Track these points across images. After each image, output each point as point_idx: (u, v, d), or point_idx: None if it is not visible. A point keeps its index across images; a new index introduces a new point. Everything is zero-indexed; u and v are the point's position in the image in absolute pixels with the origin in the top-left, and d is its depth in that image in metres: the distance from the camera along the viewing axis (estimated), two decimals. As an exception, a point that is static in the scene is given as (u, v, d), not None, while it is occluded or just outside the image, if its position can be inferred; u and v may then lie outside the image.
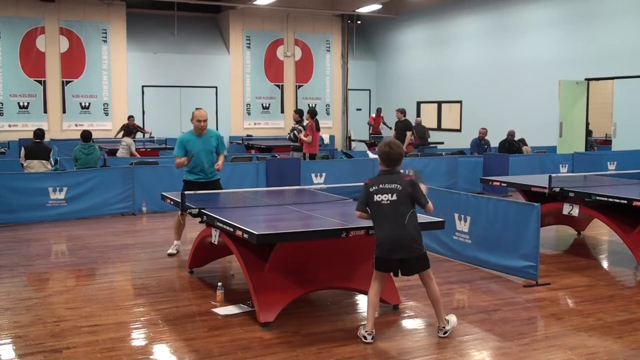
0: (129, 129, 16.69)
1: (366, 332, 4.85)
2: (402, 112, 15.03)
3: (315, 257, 5.44)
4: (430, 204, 4.85)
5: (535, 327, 5.40)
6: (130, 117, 17.20)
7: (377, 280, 4.93)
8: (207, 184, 7.40)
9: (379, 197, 4.76)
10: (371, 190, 4.79)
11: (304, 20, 22.00)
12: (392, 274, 5.05)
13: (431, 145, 17.34)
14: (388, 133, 19.67)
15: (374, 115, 20.71)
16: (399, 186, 4.76)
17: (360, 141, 20.37)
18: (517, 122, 16.00)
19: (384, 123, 20.24)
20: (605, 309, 5.72)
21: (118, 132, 16.91)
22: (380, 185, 4.77)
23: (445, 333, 4.97)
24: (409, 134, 14.58)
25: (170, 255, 7.70)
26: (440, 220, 5.56)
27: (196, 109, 7.51)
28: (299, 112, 13.44)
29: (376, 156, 14.39)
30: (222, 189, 7.58)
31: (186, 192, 6.45)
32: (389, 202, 4.74)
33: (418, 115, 20.58)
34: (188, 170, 7.50)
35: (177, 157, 7.39)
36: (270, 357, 4.61)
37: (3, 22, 18.09)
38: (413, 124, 15.63)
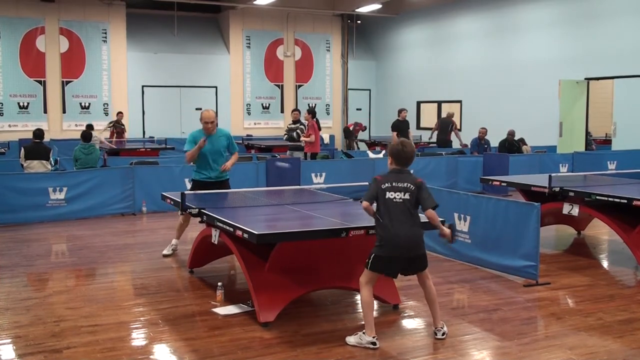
0: (120, 125, 16.87)
1: (374, 337, 4.72)
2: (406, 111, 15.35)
3: (315, 257, 5.44)
4: (434, 212, 4.75)
5: (535, 326, 5.40)
6: (120, 113, 17.45)
7: (371, 282, 4.82)
8: (215, 184, 7.36)
9: (391, 195, 4.70)
10: (383, 187, 4.71)
11: (304, 20, 22.00)
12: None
13: (431, 144, 17.34)
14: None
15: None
16: (411, 186, 4.75)
17: (361, 141, 20.38)
18: (517, 122, 16.00)
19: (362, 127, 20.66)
20: (606, 309, 5.72)
21: (109, 126, 17.04)
22: (393, 184, 4.72)
23: (443, 335, 4.95)
24: (409, 132, 14.82)
25: (165, 256, 7.66)
26: (439, 220, 5.55)
27: (204, 109, 7.49)
28: (299, 111, 13.54)
29: (376, 156, 14.51)
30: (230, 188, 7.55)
31: (186, 192, 6.45)
32: (401, 200, 4.71)
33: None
34: (196, 170, 7.50)
35: (187, 152, 7.34)
36: (270, 357, 4.61)
37: (3, 22, 18.10)
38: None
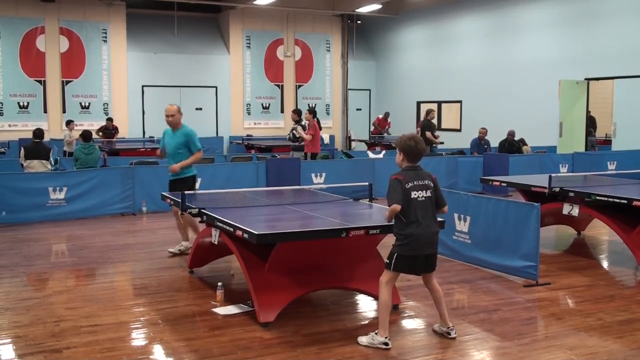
0: (109, 130, 16.95)
1: (386, 338, 4.72)
2: None
3: (315, 257, 5.44)
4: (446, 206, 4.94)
5: (535, 327, 5.40)
6: (109, 120, 17.57)
7: (392, 282, 4.82)
8: (176, 182, 7.34)
9: (416, 194, 4.70)
10: (407, 186, 4.68)
11: (304, 20, 21.99)
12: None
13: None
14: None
15: (381, 116, 20.75)
16: (430, 183, 4.79)
17: (361, 141, 20.36)
18: (517, 122, 16.00)
19: (387, 131, 20.34)
20: (605, 309, 5.72)
21: (98, 132, 17.06)
22: (415, 182, 4.72)
23: (456, 333, 4.96)
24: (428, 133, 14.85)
25: (171, 253, 7.66)
26: (439, 220, 5.55)
27: (169, 104, 7.54)
28: (297, 112, 13.47)
29: (376, 156, 14.49)
30: (194, 188, 7.51)
31: (187, 192, 6.44)
32: (424, 198, 4.73)
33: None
34: None
35: None
36: (270, 357, 4.61)
37: (3, 22, 18.09)
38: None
